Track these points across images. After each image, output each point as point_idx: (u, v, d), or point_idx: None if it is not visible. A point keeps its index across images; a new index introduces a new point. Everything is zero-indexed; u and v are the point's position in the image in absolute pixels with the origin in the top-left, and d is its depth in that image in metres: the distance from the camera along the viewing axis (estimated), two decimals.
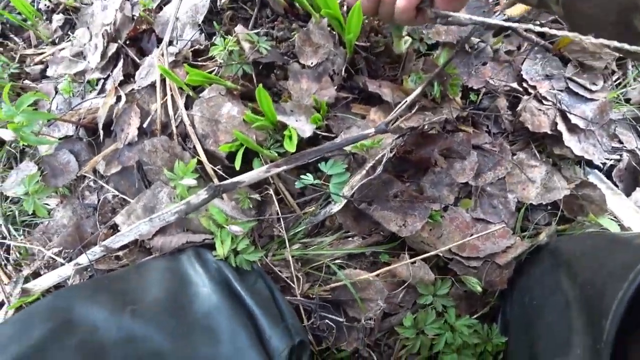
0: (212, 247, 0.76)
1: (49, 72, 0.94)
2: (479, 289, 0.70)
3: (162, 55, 0.79)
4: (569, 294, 0.63)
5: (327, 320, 0.76)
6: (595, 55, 0.85)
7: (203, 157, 0.77)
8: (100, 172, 0.80)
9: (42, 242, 0.86)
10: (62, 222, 0.86)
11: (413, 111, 0.84)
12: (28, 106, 0.72)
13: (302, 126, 0.77)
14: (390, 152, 0.73)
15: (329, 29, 0.86)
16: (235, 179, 0.70)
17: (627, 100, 0.85)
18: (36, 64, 0.96)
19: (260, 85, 0.66)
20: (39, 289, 0.83)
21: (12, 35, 1.02)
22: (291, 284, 0.77)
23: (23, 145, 0.92)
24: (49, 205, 0.88)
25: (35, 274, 0.85)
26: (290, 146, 0.68)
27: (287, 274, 0.78)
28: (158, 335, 0.61)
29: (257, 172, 0.71)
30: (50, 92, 0.94)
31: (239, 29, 0.84)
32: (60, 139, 0.85)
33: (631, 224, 0.74)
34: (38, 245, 0.82)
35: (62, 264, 0.81)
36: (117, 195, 0.79)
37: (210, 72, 0.83)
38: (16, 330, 0.57)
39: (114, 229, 0.81)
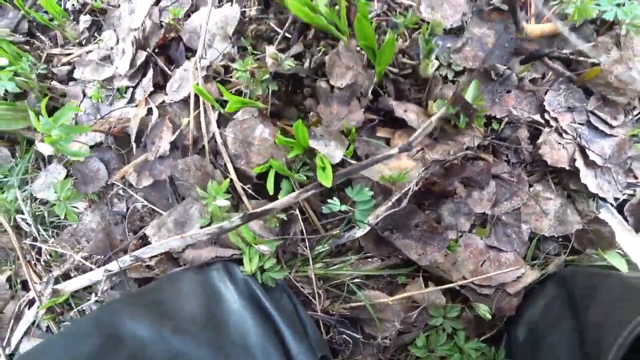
0: (239, 261, 0.80)
1: (76, 74, 0.94)
2: (489, 316, 0.75)
3: (196, 69, 0.80)
4: (572, 328, 0.68)
5: (344, 336, 0.82)
6: (619, 90, 0.87)
7: (234, 177, 0.79)
8: (131, 182, 0.82)
9: (70, 244, 0.90)
10: (91, 226, 0.89)
11: (435, 135, 0.86)
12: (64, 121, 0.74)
13: (332, 152, 0.79)
14: (416, 185, 0.76)
15: (357, 49, 0.87)
16: (267, 207, 0.74)
17: None
18: (63, 64, 0.96)
19: (300, 121, 0.68)
20: (69, 290, 0.88)
21: (39, 34, 1.02)
22: (312, 300, 0.82)
23: None
24: (77, 208, 0.91)
25: (65, 276, 0.89)
26: (325, 179, 0.70)
27: (308, 290, 0.83)
28: (199, 352, 0.65)
29: (288, 199, 0.74)
30: (77, 94, 0.94)
31: (268, 49, 0.85)
32: (90, 146, 0.87)
33: (639, 261, 0.79)
34: (68, 248, 0.86)
35: (91, 268, 0.85)
36: (146, 205, 0.82)
37: (240, 91, 0.84)
38: (66, 345, 0.61)
39: (144, 239, 0.85)
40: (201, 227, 0.77)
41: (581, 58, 0.93)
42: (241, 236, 0.79)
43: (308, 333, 0.77)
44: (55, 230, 0.93)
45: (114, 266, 0.78)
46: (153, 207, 0.82)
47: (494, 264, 0.82)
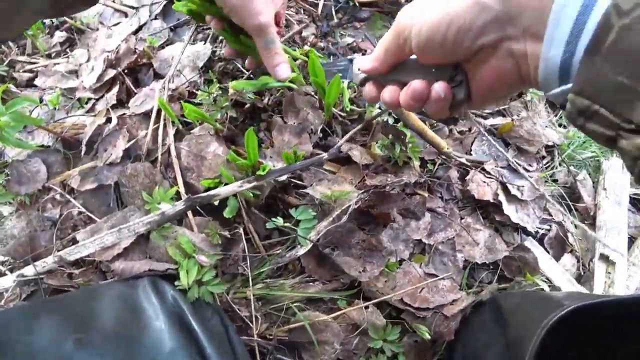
0: (172, 279, 0.77)
1: (37, 82, 0.98)
2: (428, 336, 0.74)
3: (164, 88, 0.87)
4: (500, 348, 0.69)
5: None
6: (529, 142, 1.02)
7: (182, 188, 0.81)
8: (73, 186, 0.81)
9: None
10: (12, 232, 0.83)
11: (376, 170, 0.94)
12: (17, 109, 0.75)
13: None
14: (355, 204, 0.81)
15: (308, 96, 0.99)
16: (211, 192, 0.76)
17: (555, 181, 1.00)
18: (25, 71, 1.00)
19: (251, 128, 0.74)
20: None
21: (8, 41, 1.07)
22: (250, 323, 0.78)
23: None
24: (2, 212, 0.86)
25: None
26: (261, 172, 0.76)
27: (246, 312, 0.79)
28: None
29: (232, 187, 0.77)
30: (34, 100, 0.97)
31: (233, 83, 0.95)
32: (37, 147, 0.87)
33: (560, 284, 0.84)
34: None
35: (4, 274, 0.77)
36: (83, 212, 0.80)
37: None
38: None
39: (73, 243, 0.80)
40: None
41: (497, 119, 1.10)
42: (180, 248, 0.77)
43: (238, 357, 0.72)
44: None
45: (30, 271, 0.72)
46: (90, 214, 0.80)
47: (431, 290, 0.84)
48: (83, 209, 0.80)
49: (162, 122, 0.85)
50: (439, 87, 0.46)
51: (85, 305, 0.69)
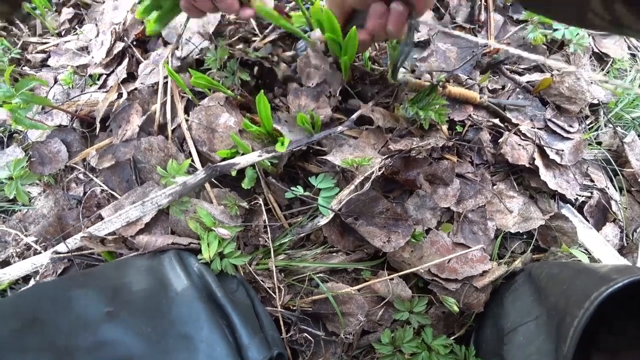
0: (196, 252, 0.76)
1: (50, 62, 0.95)
2: (456, 308, 0.72)
3: (172, 56, 0.82)
4: (538, 318, 0.66)
5: (305, 334, 0.76)
6: (570, 100, 0.93)
7: (197, 160, 0.78)
8: (92, 165, 0.80)
9: (17, 229, 0.84)
10: (42, 212, 0.84)
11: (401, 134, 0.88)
12: (27, 90, 0.73)
13: (296, 138, 0.80)
14: (379, 170, 0.76)
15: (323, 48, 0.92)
16: (231, 161, 0.74)
17: (599, 143, 0.92)
18: (38, 52, 0.97)
19: (262, 91, 0.69)
20: (8, 279, 0.80)
21: (18, 22, 1.03)
22: (272, 294, 0.77)
23: (13, 129, 0.91)
24: (31, 193, 0.86)
25: (5, 263, 0.82)
26: (281, 147, 0.71)
27: (269, 284, 0.78)
28: (132, 340, 0.59)
29: (250, 156, 0.75)
30: (49, 81, 0.94)
31: (239, 45, 0.88)
32: (56, 128, 0.85)
33: (600, 256, 0.79)
34: (15, 230, 0.80)
35: (39, 253, 0.78)
36: (106, 190, 0.79)
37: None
38: None
39: (99, 220, 0.80)
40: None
41: (534, 75, 1.00)
42: (200, 222, 0.76)
43: (264, 327, 0.72)
44: (2, 216, 0.88)
45: (62, 248, 0.72)
46: (112, 192, 0.79)
47: (460, 260, 0.80)
48: (105, 187, 0.79)
49: (169, 94, 0.80)
50: (395, 5, 0.61)
51: (115, 279, 0.69)
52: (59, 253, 0.72)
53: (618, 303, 0.57)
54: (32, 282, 0.76)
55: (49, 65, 0.93)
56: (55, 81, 0.91)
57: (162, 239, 0.76)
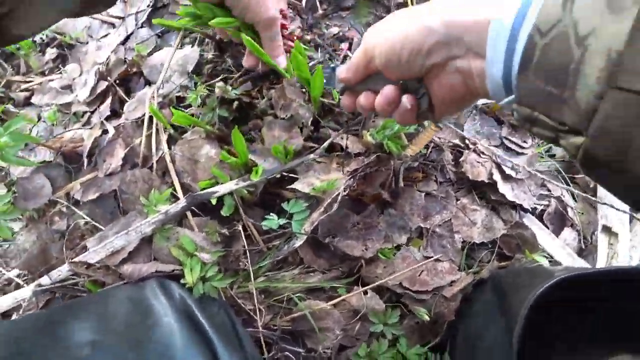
0: (178, 279, 0.80)
1: (34, 100, 1.01)
2: (427, 317, 0.76)
3: (154, 96, 0.89)
4: (501, 324, 0.70)
5: (286, 352, 0.79)
6: None
7: (179, 191, 0.84)
8: (77, 198, 0.84)
9: None
10: (24, 247, 0.87)
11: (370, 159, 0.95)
12: (15, 129, 0.78)
13: (269, 166, 0.86)
14: (344, 190, 0.82)
15: (298, 85, 1.00)
16: (210, 190, 0.79)
17: (552, 156, 1.00)
18: (22, 90, 1.04)
19: (236, 127, 0.76)
20: None
21: (1, 61, 1.11)
22: (254, 316, 0.81)
23: None
24: (13, 228, 0.90)
25: None
26: (255, 176, 0.78)
27: (250, 306, 0.82)
28: None
29: (228, 185, 0.80)
30: (33, 118, 1.00)
31: (219, 83, 0.96)
32: (39, 164, 0.91)
33: (561, 259, 0.85)
34: None
35: (21, 287, 0.81)
36: (89, 222, 0.83)
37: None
38: None
39: (83, 251, 0.84)
40: None
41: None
42: (183, 248, 0.80)
43: (245, 348, 0.75)
44: None
45: (45, 281, 0.76)
46: (96, 224, 0.83)
47: (430, 272, 0.85)
48: (89, 219, 0.84)
49: (154, 129, 0.87)
50: (405, 99, 0.52)
51: (99, 310, 0.72)
52: (42, 286, 0.75)
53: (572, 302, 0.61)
54: (14, 317, 0.79)
55: (32, 103, 0.99)
56: (39, 119, 0.97)
57: (146, 267, 0.80)
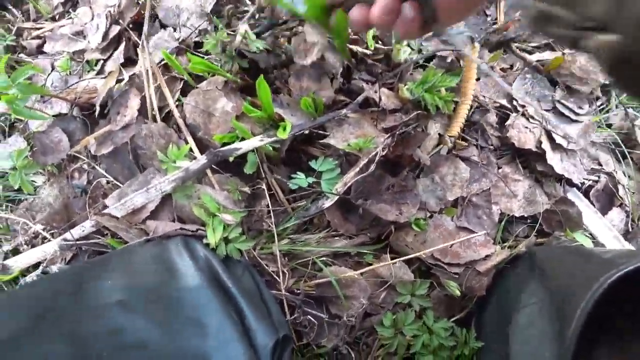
0: (201, 238, 0.77)
1: (46, 48, 0.93)
2: (458, 292, 0.72)
3: (166, 40, 0.80)
4: (541, 301, 0.67)
5: (309, 316, 0.77)
6: (582, 80, 0.90)
7: (193, 145, 0.77)
8: (92, 152, 0.79)
9: (25, 218, 0.85)
10: (48, 201, 0.84)
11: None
12: (24, 80, 0.72)
13: (298, 122, 0.78)
14: (383, 150, 0.75)
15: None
16: (232, 146, 0.74)
17: (609, 125, 0.90)
18: (33, 38, 0.95)
19: (262, 76, 0.67)
20: (19, 267, 0.82)
21: (10, 7, 1.01)
22: (277, 278, 0.78)
23: (14, 119, 0.91)
24: (35, 182, 0.87)
25: (15, 251, 0.84)
26: (283, 133, 0.71)
27: (273, 268, 0.79)
28: (145, 326, 0.60)
29: (252, 141, 0.74)
30: (46, 68, 0.92)
31: (241, 26, 0.85)
32: (54, 116, 0.84)
33: (605, 241, 0.79)
34: (23, 218, 0.81)
35: (47, 241, 0.80)
36: (111, 181, 0.79)
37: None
38: None
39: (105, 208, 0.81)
40: None
41: (545, 54, 0.97)
42: (205, 207, 0.76)
43: (270, 311, 0.73)
44: (9, 205, 0.88)
45: (70, 236, 0.73)
46: (117, 182, 0.79)
47: (463, 245, 0.81)
48: (109, 177, 0.79)
49: (167, 78, 0.78)
50: (407, 6, 0.47)
51: (124, 268, 0.70)
52: (67, 241, 0.73)
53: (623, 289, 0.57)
54: (40, 269, 0.77)
55: (45, 52, 0.91)
56: (53, 68, 0.90)
57: (170, 226, 0.77)
